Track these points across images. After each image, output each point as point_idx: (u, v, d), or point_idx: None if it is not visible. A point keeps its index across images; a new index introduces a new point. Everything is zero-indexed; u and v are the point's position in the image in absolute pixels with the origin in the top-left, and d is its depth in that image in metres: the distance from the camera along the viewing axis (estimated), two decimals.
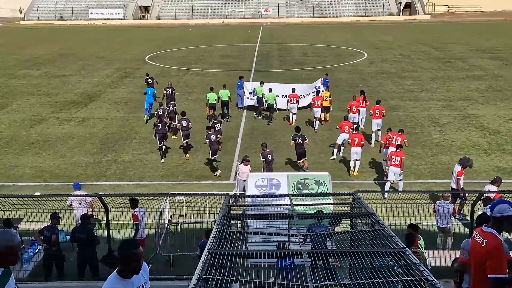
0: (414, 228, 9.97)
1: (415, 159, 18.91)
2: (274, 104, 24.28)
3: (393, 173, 15.91)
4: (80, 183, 14.89)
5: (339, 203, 10.56)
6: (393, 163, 15.78)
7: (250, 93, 26.11)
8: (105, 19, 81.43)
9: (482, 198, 11.44)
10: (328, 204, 10.44)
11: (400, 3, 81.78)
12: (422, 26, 69.12)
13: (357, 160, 17.56)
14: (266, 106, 24.51)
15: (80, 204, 13.52)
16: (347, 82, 31.59)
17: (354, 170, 17.63)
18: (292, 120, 23.77)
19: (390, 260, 6.10)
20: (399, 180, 15.95)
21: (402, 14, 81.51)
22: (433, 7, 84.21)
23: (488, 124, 23.04)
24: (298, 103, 23.88)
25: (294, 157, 19.50)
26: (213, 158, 18.04)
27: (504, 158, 18.98)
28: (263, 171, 15.86)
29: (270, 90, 24.48)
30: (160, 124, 19.29)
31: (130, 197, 12.47)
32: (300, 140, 17.78)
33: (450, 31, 62.22)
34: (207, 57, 45.19)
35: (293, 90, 24.31)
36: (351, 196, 9.68)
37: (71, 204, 13.54)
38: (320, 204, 10.05)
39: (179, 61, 42.16)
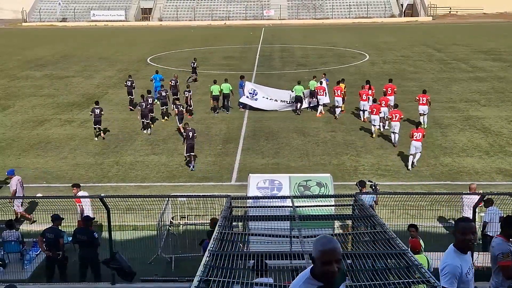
0: (415, 228, 10.52)
1: (417, 160, 18.87)
2: (302, 96, 25.45)
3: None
4: (81, 184, 14.93)
5: (341, 204, 10.57)
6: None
7: (250, 93, 26.15)
8: (107, 21, 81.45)
9: (483, 199, 11.42)
10: (330, 206, 10.43)
11: (402, 5, 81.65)
12: (424, 27, 69.05)
13: (375, 124, 21.58)
14: (294, 98, 25.62)
15: (21, 185, 15.16)
16: (350, 84, 31.50)
17: (376, 130, 21.63)
18: (319, 111, 25.37)
19: (392, 262, 6.09)
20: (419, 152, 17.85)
21: (404, 16, 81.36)
22: (435, 8, 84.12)
23: (490, 126, 23.00)
24: (326, 94, 25.55)
25: (296, 158, 19.55)
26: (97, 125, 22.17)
27: (506, 160, 18.95)
28: (184, 145, 18.66)
29: (298, 82, 25.88)
30: (144, 104, 22.86)
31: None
32: (181, 108, 22.69)
33: (452, 32, 62.13)
34: (209, 58, 45.15)
35: (320, 82, 25.91)
36: (353, 198, 9.67)
37: (15, 189, 14.83)
38: (322, 205, 10.04)
39: (181, 63, 42.07)
